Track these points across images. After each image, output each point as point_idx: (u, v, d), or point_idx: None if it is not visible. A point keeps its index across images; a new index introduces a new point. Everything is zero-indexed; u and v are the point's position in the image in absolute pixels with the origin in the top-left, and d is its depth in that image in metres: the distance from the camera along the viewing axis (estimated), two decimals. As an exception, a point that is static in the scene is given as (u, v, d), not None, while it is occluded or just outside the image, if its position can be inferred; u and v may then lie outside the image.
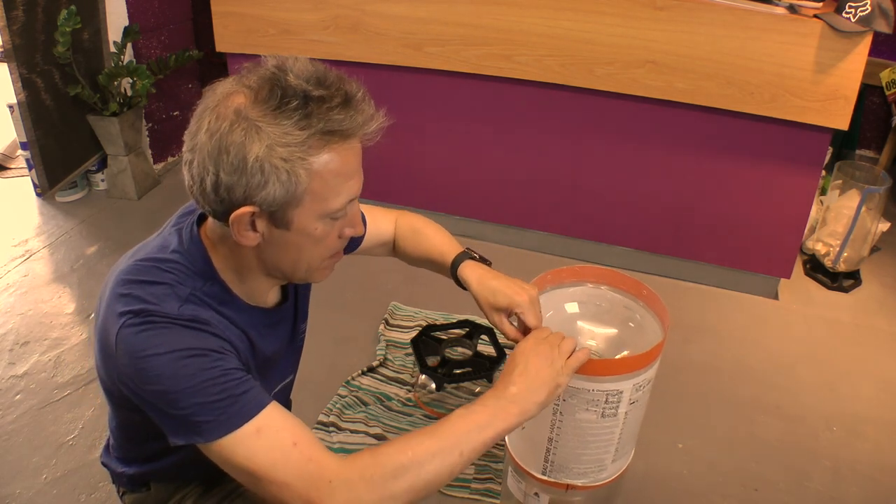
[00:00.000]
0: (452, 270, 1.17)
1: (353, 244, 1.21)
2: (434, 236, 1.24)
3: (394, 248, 1.29)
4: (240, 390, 0.84)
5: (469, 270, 1.15)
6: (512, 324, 1.12)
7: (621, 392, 1.08)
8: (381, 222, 1.26)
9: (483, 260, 1.20)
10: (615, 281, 1.24)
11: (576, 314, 1.25)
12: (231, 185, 0.82)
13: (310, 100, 0.82)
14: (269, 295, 1.03)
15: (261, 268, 0.94)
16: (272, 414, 0.85)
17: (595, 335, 1.24)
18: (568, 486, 1.18)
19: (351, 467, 0.83)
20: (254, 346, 0.98)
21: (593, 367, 1.04)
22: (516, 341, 1.06)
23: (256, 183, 0.82)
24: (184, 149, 0.86)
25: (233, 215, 0.85)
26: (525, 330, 1.08)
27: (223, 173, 0.82)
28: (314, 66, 0.85)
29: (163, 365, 0.82)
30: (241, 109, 0.82)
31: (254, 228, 0.87)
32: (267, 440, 0.83)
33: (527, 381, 0.95)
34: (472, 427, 0.89)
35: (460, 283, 1.18)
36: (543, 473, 1.18)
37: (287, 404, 1.29)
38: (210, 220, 0.93)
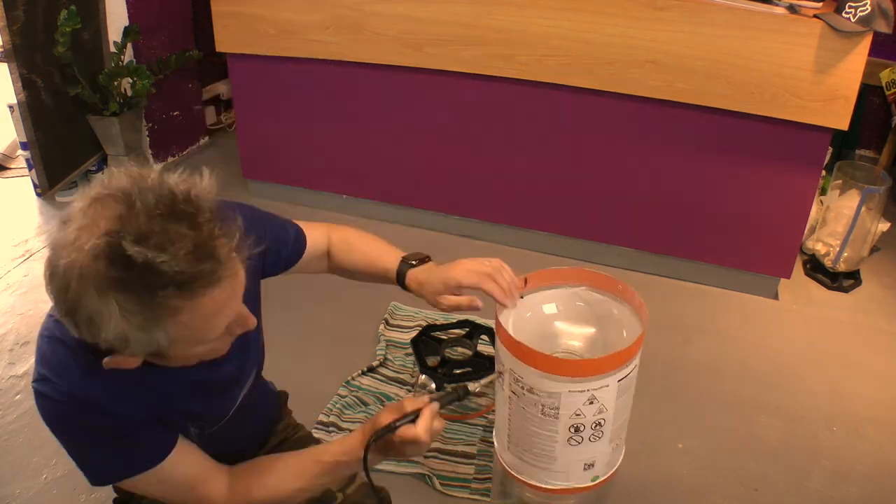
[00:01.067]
0: (400, 283, 1.17)
1: (289, 261, 1.18)
2: (370, 248, 1.22)
3: (328, 263, 1.25)
4: (138, 451, 0.93)
5: (412, 280, 1.16)
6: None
7: (606, 387, 1.08)
8: (313, 236, 1.21)
9: (421, 261, 1.18)
10: (592, 280, 1.24)
11: (554, 315, 1.25)
12: (95, 342, 0.78)
13: (151, 266, 0.73)
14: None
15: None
16: (172, 464, 0.95)
17: (574, 335, 1.24)
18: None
19: None
20: (168, 395, 0.96)
21: (572, 367, 1.04)
22: (470, 306, 1.11)
23: (119, 344, 0.78)
24: (44, 269, 0.78)
25: (104, 361, 0.82)
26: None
27: (83, 332, 0.78)
28: (159, 206, 0.75)
29: (61, 434, 0.91)
30: (84, 275, 0.74)
31: (133, 357, 0.83)
32: (168, 487, 0.97)
33: (385, 457, 1.05)
34: (330, 479, 1.06)
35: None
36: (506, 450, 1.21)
37: (258, 428, 1.27)
38: None
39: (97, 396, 0.87)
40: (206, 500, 1.00)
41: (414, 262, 1.17)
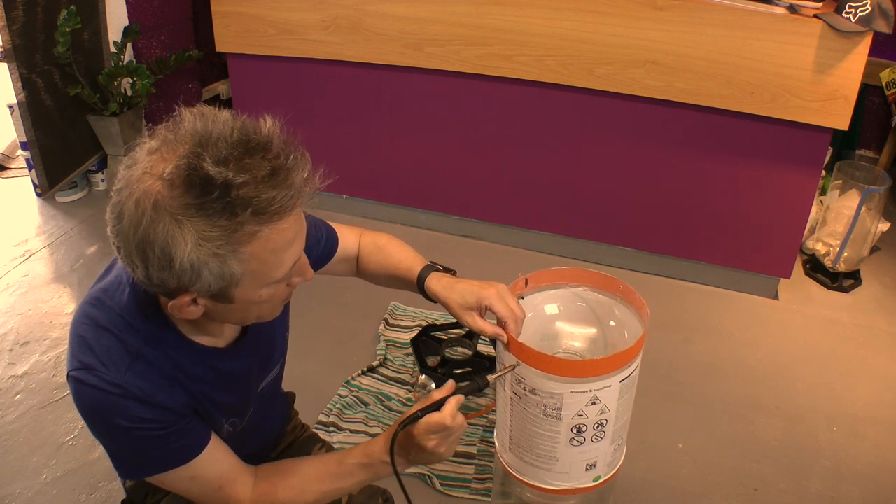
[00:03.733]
0: (419, 283, 1.16)
1: (319, 260, 1.18)
2: (398, 252, 1.22)
3: (357, 266, 1.26)
4: (175, 445, 0.92)
5: (435, 281, 1.14)
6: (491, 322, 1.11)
7: (609, 386, 1.08)
8: (345, 238, 1.22)
9: (448, 270, 1.18)
10: (593, 281, 1.24)
11: (555, 315, 1.25)
12: (163, 279, 0.78)
13: (231, 187, 0.74)
14: (224, 330, 1.00)
15: (211, 319, 0.92)
16: (205, 460, 0.95)
17: (575, 336, 1.24)
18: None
19: None
20: (208, 386, 0.97)
21: (571, 368, 1.04)
22: (494, 335, 1.08)
23: (188, 278, 0.78)
24: (108, 229, 0.80)
25: (170, 304, 0.83)
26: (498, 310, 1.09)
27: (152, 269, 0.77)
28: (235, 134, 0.77)
29: (101, 426, 0.90)
30: (159, 201, 0.75)
31: (196, 304, 0.84)
32: (198, 485, 0.97)
33: (411, 462, 1.03)
34: (354, 483, 1.04)
35: (428, 297, 1.16)
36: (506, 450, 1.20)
37: (273, 428, 1.28)
38: None
39: (143, 385, 0.87)
40: (233, 500, 1.00)
41: (440, 268, 1.18)
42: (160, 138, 0.79)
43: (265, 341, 1.08)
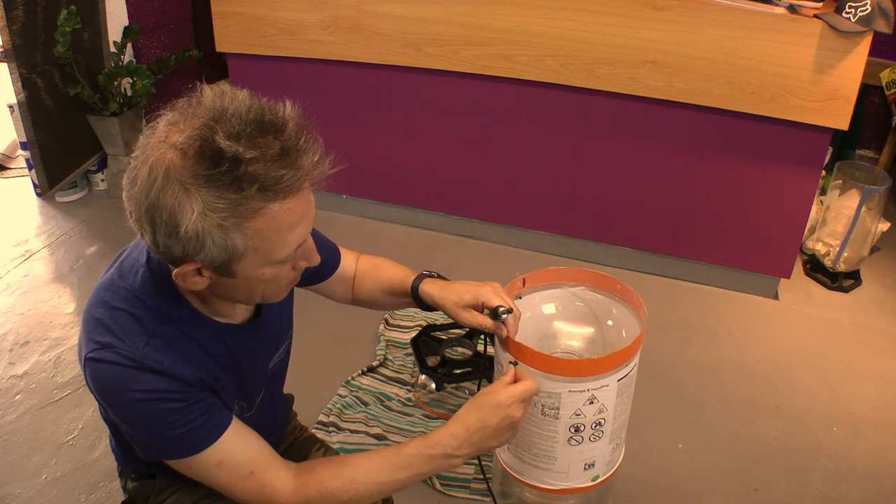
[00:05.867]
0: (414, 290, 1.17)
1: (319, 276, 1.20)
2: (391, 268, 1.24)
3: (353, 287, 1.27)
4: (199, 422, 0.90)
5: (429, 285, 1.16)
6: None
7: (607, 385, 1.08)
8: (345, 258, 1.24)
9: (441, 277, 1.20)
10: (592, 280, 1.24)
11: (553, 315, 1.25)
12: (168, 245, 0.81)
13: (241, 162, 0.77)
14: (236, 309, 1.01)
15: (218, 296, 0.93)
16: (231, 445, 0.93)
17: (573, 335, 1.24)
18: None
19: (297, 497, 0.96)
20: (221, 364, 0.98)
21: (567, 367, 1.04)
22: (495, 330, 1.08)
23: (193, 246, 0.80)
24: (123, 194, 0.83)
25: (175, 272, 0.84)
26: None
27: (159, 235, 0.80)
28: (251, 113, 0.80)
29: (123, 403, 0.89)
30: (171, 169, 0.78)
31: (200, 275, 0.86)
32: (227, 470, 0.93)
33: (476, 448, 0.99)
34: (412, 475, 0.99)
35: (421, 303, 1.17)
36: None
37: (280, 417, 1.28)
38: None
39: (161, 359, 0.88)
40: (269, 487, 0.95)
41: (435, 274, 1.19)
42: (180, 111, 0.82)
43: (275, 319, 1.09)
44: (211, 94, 0.82)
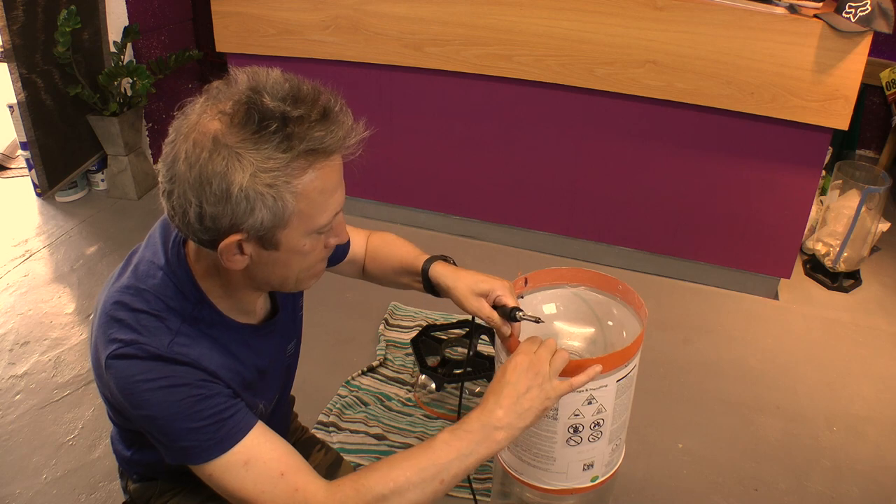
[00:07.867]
0: (424, 271, 1.17)
1: (336, 257, 1.20)
2: (402, 246, 1.24)
3: (363, 265, 1.27)
4: (226, 415, 0.89)
5: (441, 267, 1.16)
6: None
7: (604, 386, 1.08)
8: (355, 239, 1.25)
9: (452, 262, 1.20)
10: (592, 280, 1.24)
11: (554, 315, 1.25)
12: (216, 215, 0.81)
13: (289, 121, 0.80)
14: (257, 306, 1.02)
15: (248, 283, 0.93)
16: (259, 442, 0.90)
17: (573, 335, 1.24)
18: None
19: (335, 497, 0.88)
20: (244, 364, 0.98)
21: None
22: (496, 325, 1.09)
23: (242, 211, 0.80)
24: (160, 178, 0.84)
25: (221, 245, 0.84)
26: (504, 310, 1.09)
27: (207, 204, 0.80)
28: (288, 82, 0.83)
29: (150, 393, 0.87)
30: (218, 136, 0.79)
31: (242, 252, 0.86)
32: (255, 471, 0.88)
33: (515, 405, 0.95)
34: (455, 456, 0.91)
35: (431, 287, 1.17)
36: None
37: (286, 417, 1.29)
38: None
39: (187, 352, 0.88)
40: (302, 491, 0.88)
41: (447, 259, 1.19)
42: (213, 93, 0.83)
43: (289, 318, 1.11)
44: (244, 75, 0.84)
